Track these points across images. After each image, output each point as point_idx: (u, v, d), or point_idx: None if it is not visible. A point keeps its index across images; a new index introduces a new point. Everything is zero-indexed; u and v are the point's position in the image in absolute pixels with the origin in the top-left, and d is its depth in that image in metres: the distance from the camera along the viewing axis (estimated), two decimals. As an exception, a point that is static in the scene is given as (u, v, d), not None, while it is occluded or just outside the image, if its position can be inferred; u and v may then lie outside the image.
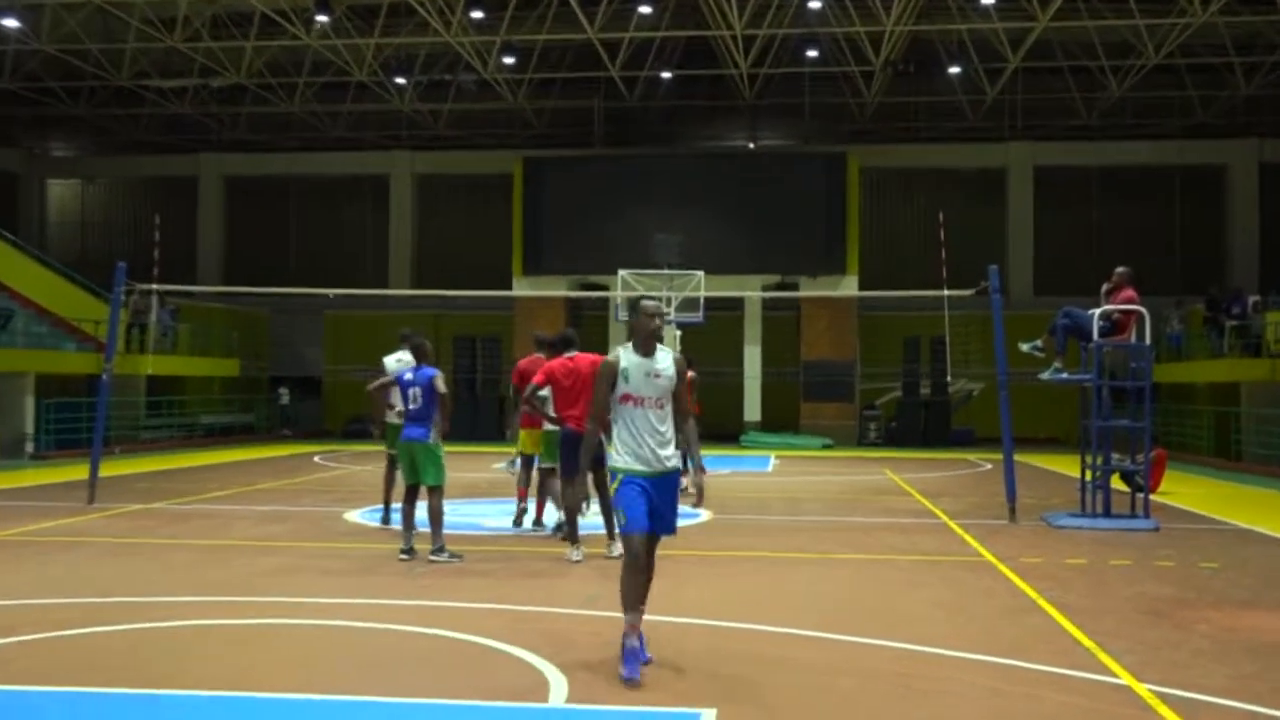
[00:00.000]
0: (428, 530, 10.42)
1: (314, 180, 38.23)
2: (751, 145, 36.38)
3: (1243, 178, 34.81)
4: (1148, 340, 13.67)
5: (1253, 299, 27.61)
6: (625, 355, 6.30)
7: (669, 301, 26.52)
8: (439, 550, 10.22)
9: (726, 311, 31.71)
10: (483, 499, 15.73)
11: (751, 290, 29.11)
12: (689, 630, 7.55)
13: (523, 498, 12.53)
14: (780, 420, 32.94)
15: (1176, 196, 35.52)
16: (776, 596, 8.83)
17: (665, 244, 28.22)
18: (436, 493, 10.35)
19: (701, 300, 27.09)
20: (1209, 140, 34.75)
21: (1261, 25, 29.08)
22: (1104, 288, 13.70)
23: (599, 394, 6.28)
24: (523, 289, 32.61)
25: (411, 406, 10.32)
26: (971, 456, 26.76)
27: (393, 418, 11.99)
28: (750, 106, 35.38)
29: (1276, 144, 34.64)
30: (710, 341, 30.71)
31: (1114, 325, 13.42)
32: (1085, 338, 13.49)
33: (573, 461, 10.54)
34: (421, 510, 10.50)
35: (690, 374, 19.49)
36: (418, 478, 10.33)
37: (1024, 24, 27.92)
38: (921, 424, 31.68)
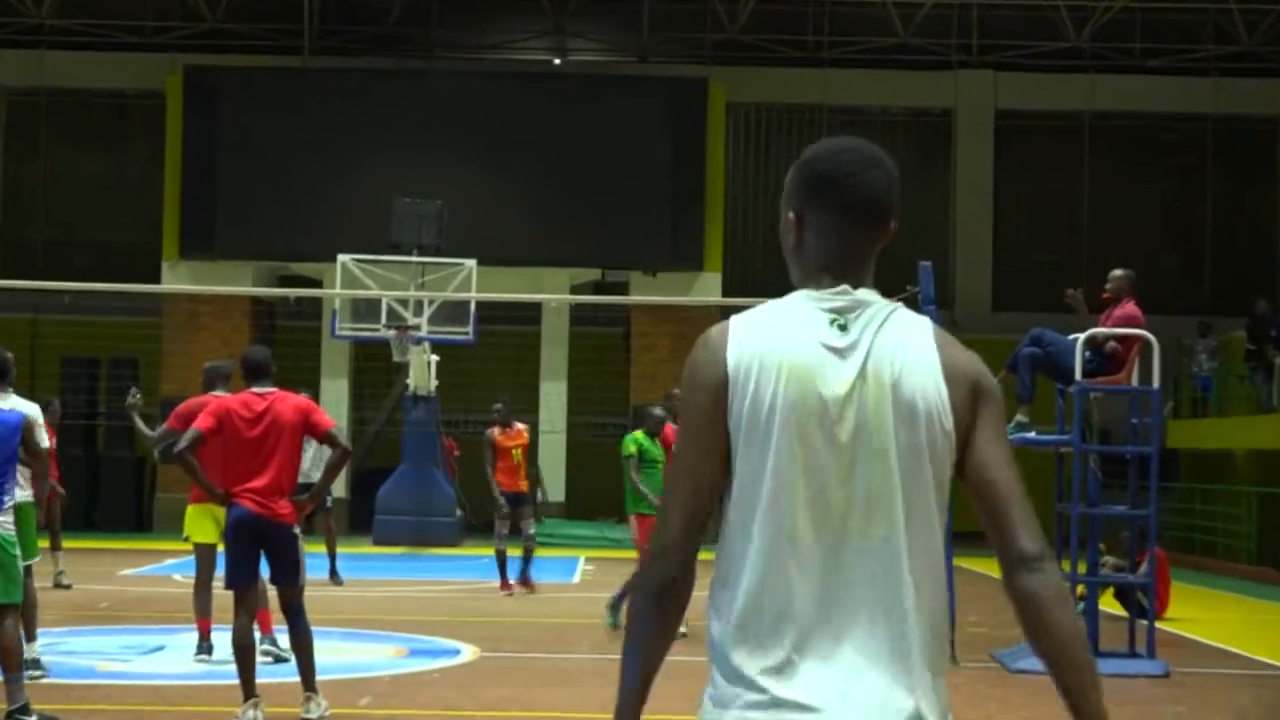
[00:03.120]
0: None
1: None
2: (558, 61, 36.62)
3: (1303, 138, 36.63)
4: (1157, 383, 14.22)
5: (1314, 323, 28.93)
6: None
7: (418, 308, 26.42)
8: (22, 710, 10.03)
9: (513, 325, 31.77)
10: (101, 626, 15.54)
11: (554, 292, 29.26)
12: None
13: (205, 632, 12.65)
14: (597, 499, 32.98)
15: (1208, 162, 37.07)
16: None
17: (413, 215, 28.06)
18: (9, 615, 10.10)
19: (472, 307, 27.06)
20: (1254, 79, 36.42)
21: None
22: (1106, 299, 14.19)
23: None
24: (180, 281, 32.04)
25: (-23, 469, 10.12)
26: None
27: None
28: (558, 1, 35.66)
29: (1352, 88, 36.55)
30: (486, 372, 30.66)
31: (1107, 359, 13.90)
32: (1064, 378, 13.95)
33: (247, 563, 10.36)
34: None
35: (521, 428, 19.47)
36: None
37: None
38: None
